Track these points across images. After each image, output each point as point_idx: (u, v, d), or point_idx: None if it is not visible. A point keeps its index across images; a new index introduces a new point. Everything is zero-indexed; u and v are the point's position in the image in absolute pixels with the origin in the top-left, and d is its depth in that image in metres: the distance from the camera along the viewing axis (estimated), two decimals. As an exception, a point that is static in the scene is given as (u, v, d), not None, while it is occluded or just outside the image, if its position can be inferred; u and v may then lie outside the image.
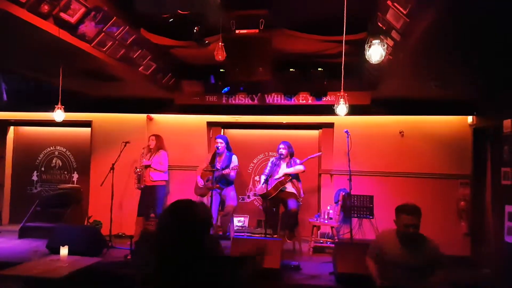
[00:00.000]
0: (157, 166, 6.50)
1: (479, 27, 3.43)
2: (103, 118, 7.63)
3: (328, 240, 6.26)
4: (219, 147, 6.36)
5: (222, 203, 6.42)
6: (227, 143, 6.49)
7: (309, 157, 6.33)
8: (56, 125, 6.91)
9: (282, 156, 6.25)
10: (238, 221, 7.14)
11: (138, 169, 6.52)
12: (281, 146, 6.30)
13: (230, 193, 6.36)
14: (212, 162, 6.39)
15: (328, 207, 6.35)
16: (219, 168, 6.22)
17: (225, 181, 6.32)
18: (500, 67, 4.55)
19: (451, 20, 3.27)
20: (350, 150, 5.97)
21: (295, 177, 6.23)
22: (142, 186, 6.48)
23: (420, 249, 3.29)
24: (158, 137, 6.74)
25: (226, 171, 6.16)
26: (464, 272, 5.40)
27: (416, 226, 3.25)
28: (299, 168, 6.21)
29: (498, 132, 5.24)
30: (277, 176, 6.16)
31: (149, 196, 6.44)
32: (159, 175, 6.54)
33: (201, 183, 6.39)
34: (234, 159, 6.39)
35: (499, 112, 5.28)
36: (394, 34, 3.90)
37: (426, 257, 3.27)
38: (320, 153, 6.74)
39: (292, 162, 6.28)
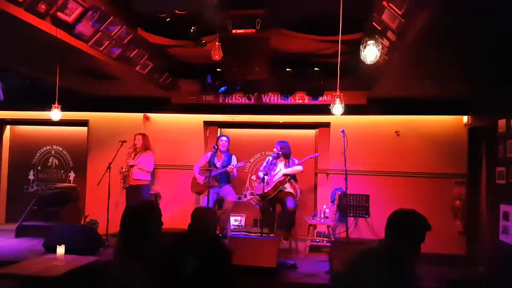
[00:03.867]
0: (143, 166, 6.57)
1: (474, 27, 3.46)
2: (100, 117, 7.63)
3: (324, 239, 6.29)
4: (224, 146, 6.51)
5: (219, 201, 6.44)
6: (229, 142, 6.64)
7: (307, 157, 6.36)
8: (53, 124, 6.89)
9: (276, 156, 6.28)
10: (235, 220, 7.16)
11: (124, 170, 6.58)
12: (276, 146, 6.34)
13: (229, 190, 6.45)
14: (211, 161, 6.40)
15: (324, 206, 6.38)
16: (218, 166, 6.27)
17: (225, 178, 6.40)
18: (495, 66, 4.58)
19: (446, 21, 3.30)
20: (346, 150, 6.00)
21: (293, 177, 6.26)
22: (127, 185, 6.58)
23: (409, 274, 2.32)
24: (144, 136, 6.80)
25: (230, 168, 6.26)
26: (459, 270, 5.44)
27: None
28: (297, 168, 6.23)
29: (493, 131, 5.27)
30: (276, 178, 6.19)
31: (135, 195, 6.47)
32: (143, 174, 6.62)
33: (201, 179, 6.44)
34: (234, 159, 6.51)
35: (494, 112, 5.32)
36: (389, 34, 3.92)
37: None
38: (319, 153, 6.77)
39: (290, 162, 6.30)
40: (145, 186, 6.65)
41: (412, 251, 2.28)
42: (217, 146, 6.43)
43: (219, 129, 7.64)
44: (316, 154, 6.70)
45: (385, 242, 2.32)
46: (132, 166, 6.57)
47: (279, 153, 6.25)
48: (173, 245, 2.66)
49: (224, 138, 6.59)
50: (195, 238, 2.71)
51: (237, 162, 6.43)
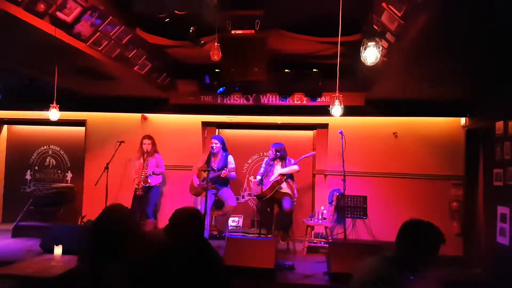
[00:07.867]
0: (156, 170, 6.56)
1: (473, 29, 3.47)
2: (98, 117, 7.61)
3: (322, 240, 6.28)
4: (214, 147, 6.31)
5: (217, 203, 6.43)
6: (222, 143, 6.46)
7: (302, 156, 6.35)
8: (50, 124, 6.89)
9: (273, 158, 6.27)
10: (233, 221, 7.14)
11: (143, 179, 6.47)
12: (271, 149, 6.31)
13: (229, 194, 6.35)
14: (208, 162, 6.37)
15: (322, 207, 6.37)
16: (215, 168, 6.22)
17: (221, 181, 6.32)
18: (493, 68, 4.60)
19: (445, 23, 3.31)
20: (344, 151, 6.00)
21: (289, 177, 6.26)
22: (141, 193, 6.50)
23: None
24: (153, 139, 6.73)
25: (223, 173, 6.15)
26: (456, 271, 5.45)
27: None
28: (294, 168, 6.23)
29: (491, 133, 5.29)
30: (272, 178, 6.18)
31: (144, 196, 6.47)
32: (156, 178, 6.61)
33: (196, 182, 6.40)
34: (231, 159, 6.37)
35: (492, 114, 5.34)
36: (388, 36, 3.93)
37: None
38: (314, 152, 6.78)
39: (286, 162, 6.29)
40: (156, 187, 6.69)
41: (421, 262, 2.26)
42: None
43: (217, 129, 7.63)
44: (311, 153, 6.70)
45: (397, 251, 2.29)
46: (148, 175, 6.52)
47: (276, 155, 6.23)
48: (156, 247, 2.59)
49: (214, 141, 6.37)
50: (175, 240, 2.60)
51: (234, 163, 6.39)
